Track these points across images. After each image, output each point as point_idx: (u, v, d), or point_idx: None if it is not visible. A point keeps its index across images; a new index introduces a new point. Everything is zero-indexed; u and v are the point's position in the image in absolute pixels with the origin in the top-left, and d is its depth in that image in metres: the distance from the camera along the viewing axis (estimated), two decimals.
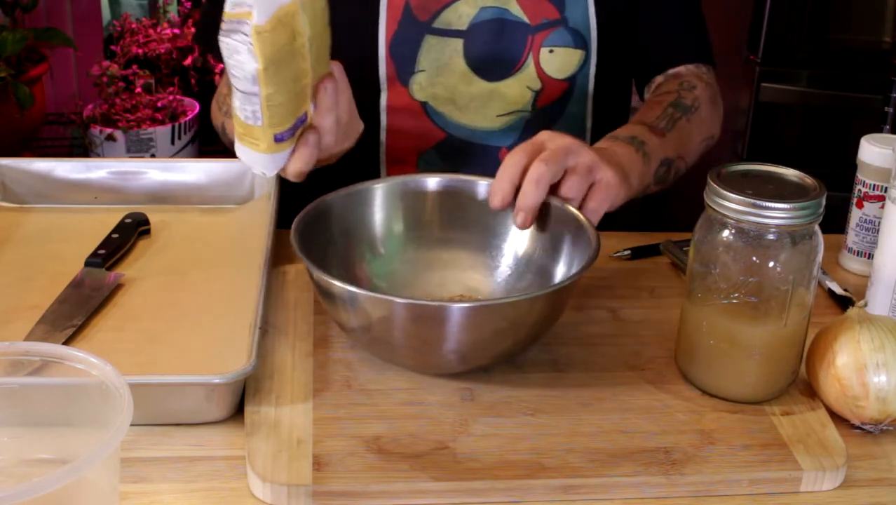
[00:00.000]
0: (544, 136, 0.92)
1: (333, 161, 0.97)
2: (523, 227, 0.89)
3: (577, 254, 0.88)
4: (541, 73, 1.14)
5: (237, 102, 0.82)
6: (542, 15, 1.12)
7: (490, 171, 0.93)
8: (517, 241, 0.94)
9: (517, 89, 1.14)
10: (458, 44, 1.12)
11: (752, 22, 2.19)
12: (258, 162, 0.86)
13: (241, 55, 0.78)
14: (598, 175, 0.91)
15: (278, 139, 0.84)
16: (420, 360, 0.83)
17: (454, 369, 0.83)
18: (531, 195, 0.87)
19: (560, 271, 0.90)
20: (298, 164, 0.87)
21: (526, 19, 1.12)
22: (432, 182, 0.96)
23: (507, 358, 0.85)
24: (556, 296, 0.81)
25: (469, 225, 0.96)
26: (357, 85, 0.96)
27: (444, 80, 1.13)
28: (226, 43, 0.79)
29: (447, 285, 0.95)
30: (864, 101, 2.16)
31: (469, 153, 1.17)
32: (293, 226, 0.86)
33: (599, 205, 0.91)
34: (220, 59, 0.84)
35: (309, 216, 0.88)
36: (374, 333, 0.81)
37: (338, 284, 0.79)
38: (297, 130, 0.86)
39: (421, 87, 1.14)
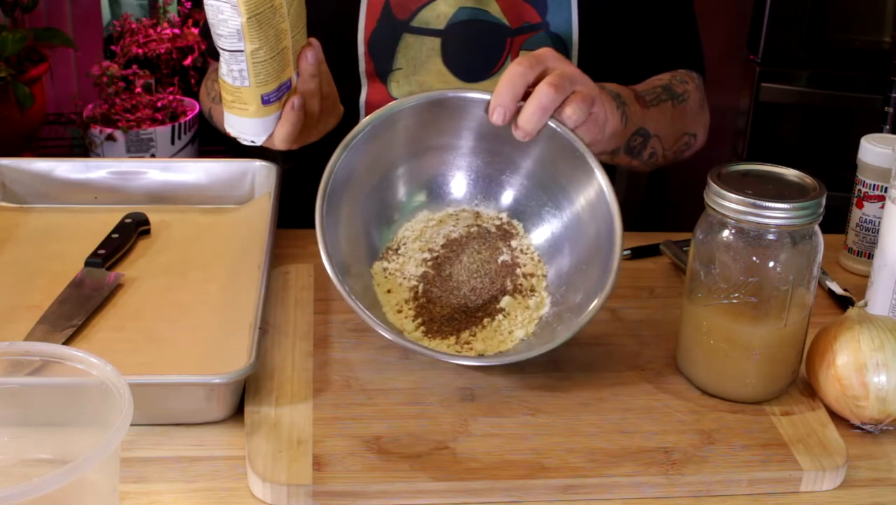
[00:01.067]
0: (548, 54, 0.87)
1: (318, 137, 0.97)
2: (524, 140, 0.85)
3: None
4: None
5: (224, 67, 0.85)
6: (523, 18, 1.11)
7: None
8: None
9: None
10: (435, 43, 1.12)
11: (752, 22, 2.19)
12: (248, 129, 0.88)
13: (224, 14, 0.81)
14: (595, 108, 0.87)
15: (266, 101, 0.86)
16: None
17: None
18: (537, 121, 0.83)
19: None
20: (286, 128, 0.89)
21: (506, 21, 1.11)
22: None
23: None
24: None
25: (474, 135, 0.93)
26: (337, 80, 0.97)
27: (420, 78, 1.13)
28: (210, 5, 0.82)
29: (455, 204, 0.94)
30: (864, 101, 2.16)
31: None
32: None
33: (587, 138, 0.87)
34: (217, 58, 0.86)
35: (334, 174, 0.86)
36: None
37: (355, 305, 0.80)
38: (283, 96, 0.88)
39: (398, 84, 1.13)
